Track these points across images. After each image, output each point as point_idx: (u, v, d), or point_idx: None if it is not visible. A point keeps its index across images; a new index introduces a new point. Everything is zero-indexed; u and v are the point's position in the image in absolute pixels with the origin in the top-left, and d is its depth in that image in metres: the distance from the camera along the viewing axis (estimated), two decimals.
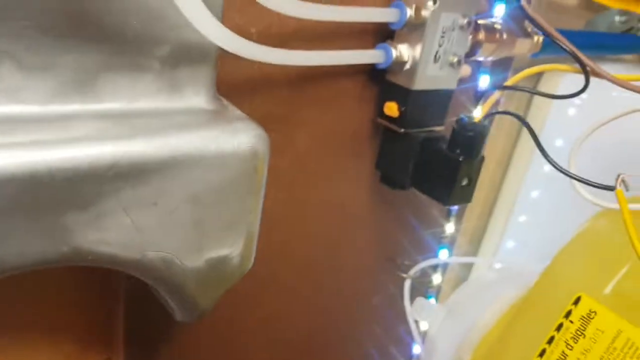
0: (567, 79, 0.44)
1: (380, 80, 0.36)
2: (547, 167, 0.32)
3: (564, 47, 0.29)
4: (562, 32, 0.41)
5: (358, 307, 0.48)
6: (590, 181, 0.28)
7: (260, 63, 0.26)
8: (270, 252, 0.38)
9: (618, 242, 0.28)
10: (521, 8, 0.30)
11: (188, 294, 0.25)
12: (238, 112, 0.25)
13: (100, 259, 0.22)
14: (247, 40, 0.24)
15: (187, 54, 0.23)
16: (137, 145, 0.21)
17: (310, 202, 0.39)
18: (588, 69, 0.29)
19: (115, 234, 0.22)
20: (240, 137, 0.23)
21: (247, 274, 0.27)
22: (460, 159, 0.34)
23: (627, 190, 0.27)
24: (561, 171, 0.29)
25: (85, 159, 0.20)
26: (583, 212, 0.35)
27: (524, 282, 0.36)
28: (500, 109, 0.39)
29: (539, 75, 0.47)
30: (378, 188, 0.41)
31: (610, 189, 0.28)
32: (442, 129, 0.37)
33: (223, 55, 0.24)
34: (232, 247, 0.25)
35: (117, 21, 0.21)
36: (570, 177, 0.29)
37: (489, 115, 0.33)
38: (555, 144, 0.43)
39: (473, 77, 0.41)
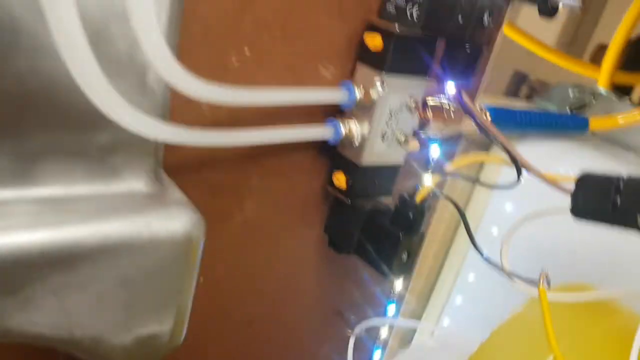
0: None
1: (331, 152, 0.37)
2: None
3: (496, 140, 0.31)
4: (508, 113, 0.43)
5: None
6: (515, 275, 0.29)
7: None
8: (214, 312, 0.39)
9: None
10: (459, 100, 0.31)
11: None
12: (178, 195, 0.26)
13: (29, 337, 0.22)
14: (190, 131, 0.25)
15: (126, 141, 0.24)
16: (68, 232, 0.22)
17: (257, 263, 0.40)
18: (519, 163, 0.31)
19: (43, 315, 0.22)
20: (174, 223, 0.24)
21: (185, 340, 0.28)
22: (400, 235, 0.35)
23: (548, 287, 0.29)
24: (488, 262, 0.30)
25: (15, 247, 0.21)
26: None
27: (460, 354, 0.37)
28: (446, 188, 0.40)
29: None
30: (325, 249, 0.42)
31: (534, 284, 0.29)
32: (389, 200, 0.39)
33: None
34: (162, 325, 0.26)
35: (57, 110, 0.22)
36: (495, 267, 0.30)
37: (427, 199, 0.34)
38: (492, 232, 0.44)
39: (424, 146, 0.42)
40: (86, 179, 0.24)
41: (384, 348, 0.55)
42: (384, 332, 0.54)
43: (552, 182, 0.30)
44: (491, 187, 0.32)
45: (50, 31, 0.17)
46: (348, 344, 0.48)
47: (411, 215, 0.35)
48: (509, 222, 0.32)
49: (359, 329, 0.46)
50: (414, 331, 0.55)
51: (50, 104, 0.21)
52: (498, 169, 0.44)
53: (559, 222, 0.32)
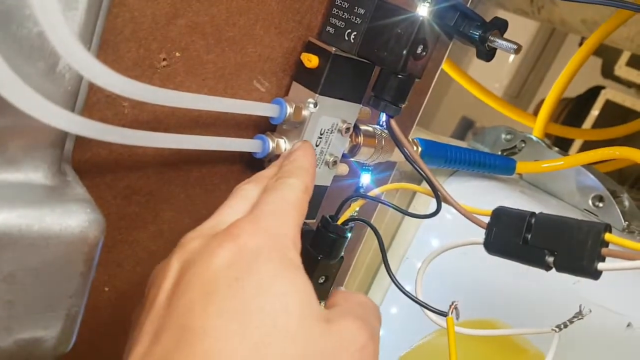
0: None
1: (258, 167, 0.37)
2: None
3: (420, 171, 0.31)
4: (439, 147, 0.44)
5: None
6: (427, 305, 0.29)
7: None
8: (119, 325, 0.37)
9: None
10: (388, 127, 0.32)
11: None
12: (80, 191, 0.25)
13: None
14: (98, 124, 0.23)
15: (27, 128, 0.22)
16: None
17: None
18: (439, 194, 0.31)
19: None
20: (70, 219, 0.23)
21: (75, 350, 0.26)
22: (319, 258, 0.34)
23: (457, 318, 0.29)
24: (402, 291, 0.30)
25: None
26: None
27: None
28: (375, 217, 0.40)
29: None
30: None
31: (443, 315, 0.29)
32: (312, 222, 0.38)
33: None
34: (47, 330, 0.24)
35: None
36: (410, 297, 0.30)
37: (349, 221, 0.34)
38: (416, 265, 0.45)
39: (355, 173, 0.42)
40: None
41: None
42: None
43: (469, 215, 0.30)
44: (409, 215, 0.33)
45: None
46: None
47: (333, 239, 0.34)
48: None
49: None
50: None
51: None
52: (428, 202, 0.44)
53: (480, 257, 0.32)
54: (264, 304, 0.22)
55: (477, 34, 0.34)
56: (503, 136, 0.57)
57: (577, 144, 1.52)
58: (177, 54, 0.30)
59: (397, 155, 0.41)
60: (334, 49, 0.33)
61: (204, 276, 0.22)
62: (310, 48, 0.34)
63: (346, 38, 0.33)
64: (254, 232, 0.24)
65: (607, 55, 1.52)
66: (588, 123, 1.62)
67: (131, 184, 0.32)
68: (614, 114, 1.53)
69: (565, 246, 0.26)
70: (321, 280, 0.35)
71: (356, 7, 0.32)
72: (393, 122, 0.32)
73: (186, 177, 0.34)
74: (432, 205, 0.47)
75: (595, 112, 1.62)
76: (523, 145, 0.56)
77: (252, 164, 0.36)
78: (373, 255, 0.51)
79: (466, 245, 0.29)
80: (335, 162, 0.37)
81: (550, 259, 0.26)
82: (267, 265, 0.23)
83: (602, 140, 0.83)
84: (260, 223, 0.24)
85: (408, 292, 0.30)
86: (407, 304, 0.48)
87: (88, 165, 0.29)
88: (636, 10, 0.33)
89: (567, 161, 0.48)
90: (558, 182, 0.53)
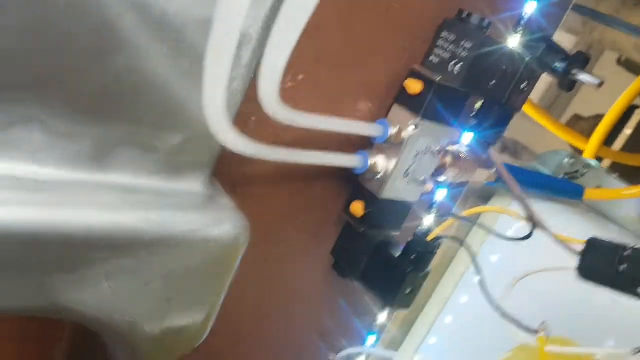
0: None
1: (352, 180, 0.39)
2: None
3: (517, 196, 0.33)
4: (515, 170, 0.46)
5: None
6: (517, 321, 0.32)
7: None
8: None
9: None
10: (487, 154, 0.34)
11: (140, 356, 0.27)
12: (227, 199, 0.27)
13: (72, 315, 0.23)
14: (259, 145, 0.26)
15: (194, 143, 0.25)
16: (132, 220, 0.23)
17: (263, 274, 0.41)
18: (534, 219, 0.33)
19: (91, 295, 0.23)
20: (225, 226, 0.26)
21: None
22: (408, 270, 0.37)
23: (547, 337, 0.31)
24: (494, 307, 0.32)
25: (82, 227, 0.22)
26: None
27: None
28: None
29: None
30: (327, 270, 0.44)
31: (534, 332, 0.31)
32: (397, 234, 0.41)
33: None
34: (193, 320, 0.27)
35: (141, 107, 0.23)
36: (503, 313, 0.32)
37: (440, 238, 0.37)
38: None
39: (436, 189, 0.45)
40: (152, 172, 0.25)
41: None
42: None
43: (562, 242, 0.32)
44: (501, 237, 0.35)
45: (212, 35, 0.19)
46: None
47: (422, 253, 0.37)
48: (491, 271, 0.35)
49: (342, 355, 0.48)
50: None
51: (138, 100, 0.23)
52: (495, 219, 0.47)
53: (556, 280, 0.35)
54: None
55: (562, 66, 0.37)
56: (565, 160, 0.59)
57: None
58: (300, 77, 0.33)
59: (476, 176, 0.43)
60: (438, 77, 0.35)
61: None
62: (414, 75, 0.36)
63: (449, 69, 0.35)
64: None
65: None
66: (619, 142, 1.61)
67: (248, 192, 0.35)
68: None
69: None
70: (407, 291, 0.38)
71: (463, 41, 0.35)
72: (492, 149, 0.34)
73: (294, 186, 0.37)
74: (499, 223, 0.50)
75: (628, 130, 1.62)
76: (585, 170, 0.58)
77: (348, 175, 0.39)
78: (436, 267, 0.54)
79: (557, 270, 0.31)
80: (424, 181, 0.39)
81: None
82: None
83: None
84: None
85: (502, 308, 0.32)
86: (461, 315, 0.50)
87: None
88: None
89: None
90: (618, 208, 0.55)
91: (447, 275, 0.53)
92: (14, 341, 0.29)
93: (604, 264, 0.30)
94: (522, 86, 0.33)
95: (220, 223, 0.25)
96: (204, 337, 0.28)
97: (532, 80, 0.34)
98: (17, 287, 0.21)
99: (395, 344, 0.56)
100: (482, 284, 0.33)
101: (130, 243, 0.23)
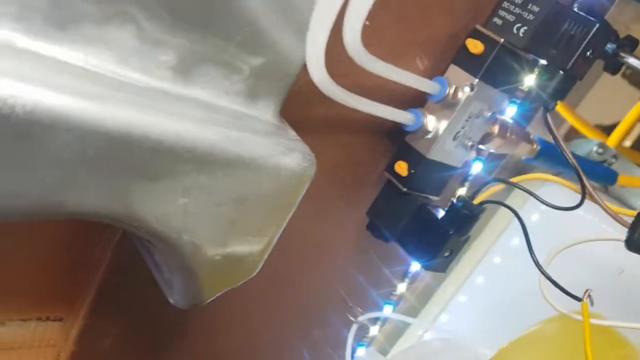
0: (545, 185, 0.49)
1: (398, 139, 0.39)
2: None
3: (574, 166, 0.33)
4: (553, 148, 0.46)
5: (299, 336, 0.50)
6: (562, 287, 0.32)
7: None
8: None
9: (568, 350, 0.32)
10: (545, 121, 0.34)
11: (197, 281, 0.26)
12: (294, 133, 0.27)
13: (143, 228, 0.23)
14: (337, 86, 0.26)
15: (273, 70, 0.25)
16: (216, 136, 0.23)
17: (300, 228, 0.41)
18: (587, 191, 0.33)
19: (166, 210, 0.23)
20: (297, 155, 0.25)
21: None
22: (451, 232, 0.37)
23: (591, 305, 0.31)
24: (541, 270, 0.32)
25: (172, 135, 0.21)
26: (526, 309, 0.39)
27: (471, 356, 0.39)
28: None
29: None
30: (359, 232, 0.44)
31: (578, 299, 0.31)
32: (437, 199, 0.41)
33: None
34: (251, 251, 0.27)
35: (234, 23, 0.23)
36: (547, 277, 0.32)
37: (486, 202, 0.36)
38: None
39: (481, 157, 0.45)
40: (230, 94, 0.24)
41: (369, 345, 0.56)
42: (373, 330, 0.55)
43: (613, 213, 0.32)
44: (549, 205, 0.35)
45: None
46: (341, 330, 0.50)
47: (466, 216, 0.36)
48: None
49: (364, 318, 0.48)
50: (401, 329, 0.57)
51: (233, 14, 0.22)
52: (534, 186, 0.47)
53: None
54: None
55: (612, 48, 0.36)
56: (594, 149, 0.59)
57: None
58: (367, 23, 0.33)
59: (520, 148, 0.43)
60: (502, 39, 0.35)
61: None
62: (476, 35, 0.36)
63: (515, 31, 0.35)
64: None
65: None
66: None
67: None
68: None
69: None
70: (446, 254, 0.38)
71: (530, 4, 0.34)
72: (549, 117, 0.34)
73: (335, 138, 0.37)
74: (531, 200, 0.49)
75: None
76: (614, 160, 0.58)
77: (394, 133, 0.39)
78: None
79: (607, 240, 0.31)
80: (472, 146, 0.39)
81: None
82: None
83: None
84: None
85: (548, 274, 0.32)
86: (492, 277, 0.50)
87: None
88: None
89: None
90: (633, 195, 0.56)
91: (476, 242, 0.53)
92: (61, 247, 0.29)
93: None
94: (588, 54, 0.33)
95: (292, 152, 0.25)
96: (256, 271, 0.28)
97: (598, 49, 0.33)
98: (98, 190, 0.21)
99: (413, 312, 0.56)
100: (529, 246, 0.33)
101: (211, 160, 0.22)
